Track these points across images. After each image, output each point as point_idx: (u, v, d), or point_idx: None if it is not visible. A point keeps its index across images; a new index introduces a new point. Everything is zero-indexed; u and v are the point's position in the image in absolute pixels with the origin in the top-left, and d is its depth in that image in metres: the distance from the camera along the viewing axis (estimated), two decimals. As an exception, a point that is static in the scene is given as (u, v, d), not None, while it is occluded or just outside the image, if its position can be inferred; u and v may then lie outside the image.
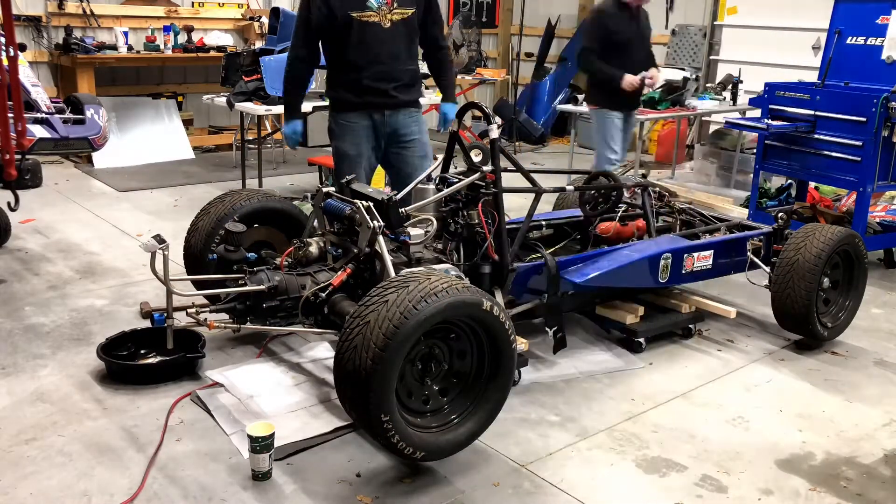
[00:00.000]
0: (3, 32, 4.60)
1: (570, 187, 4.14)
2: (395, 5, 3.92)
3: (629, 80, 5.62)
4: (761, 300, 4.29)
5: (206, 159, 8.08)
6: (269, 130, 7.88)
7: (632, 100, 5.88)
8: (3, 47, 4.50)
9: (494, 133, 3.50)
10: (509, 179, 3.67)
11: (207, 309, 3.45)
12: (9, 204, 4.74)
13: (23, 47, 5.88)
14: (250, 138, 6.97)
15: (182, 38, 7.90)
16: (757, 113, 5.93)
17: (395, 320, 2.47)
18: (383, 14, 3.90)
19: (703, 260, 4.03)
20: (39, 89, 5.43)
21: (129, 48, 7.69)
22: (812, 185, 6.02)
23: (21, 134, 4.62)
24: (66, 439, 2.91)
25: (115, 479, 2.69)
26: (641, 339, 3.86)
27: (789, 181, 6.18)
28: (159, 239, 3.12)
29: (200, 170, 7.58)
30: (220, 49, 8.06)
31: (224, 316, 3.41)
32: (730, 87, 7.32)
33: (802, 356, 3.95)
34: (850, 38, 5.60)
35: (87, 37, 7.51)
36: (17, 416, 3.06)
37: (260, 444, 2.67)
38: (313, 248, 3.51)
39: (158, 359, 3.45)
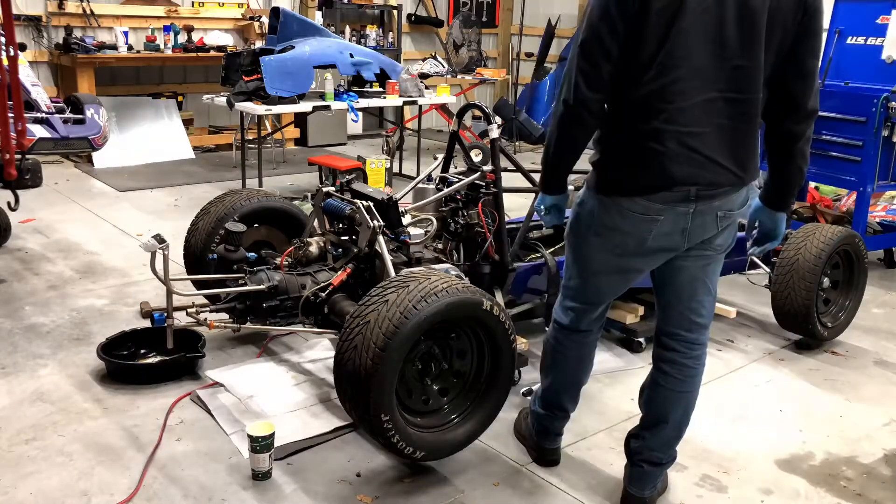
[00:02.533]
0: (3, 32, 4.60)
1: (571, 187, 4.13)
2: None
3: None
4: (761, 300, 4.29)
5: (206, 159, 8.08)
6: (269, 130, 7.88)
7: None
8: (3, 47, 4.50)
9: (494, 133, 3.51)
10: (509, 179, 3.67)
11: (207, 309, 3.45)
12: (9, 204, 4.74)
13: (23, 47, 5.88)
14: (250, 138, 6.97)
15: (182, 38, 7.90)
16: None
17: (395, 320, 2.47)
18: None
19: (703, 260, 4.02)
20: (39, 89, 5.43)
21: (129, 48, 7.69)
22: (812, 185, 6.02)
23: (21, 134, 4.62)
24: (66, 439, 2.91)
25: (115, 478, 2.69)
26: (641, 339, 3.86)
27: (789, 181, 6.16)
28: (159, 239, 3.12)
29: (200, 170, 7.58)
30: (220, 49, 8.07)
31: (224, 316, 3.41)
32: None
33: (802, 356, 3.95)
34: (850, 38, 5.60)
35: (87, 36, 7.51)
36: (17, 416, 3.06)
37: (260, 444, 2.67)
38: (313, 248, 3.51)
39: (158, 359, 3.44)
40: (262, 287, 3.25)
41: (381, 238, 3.24)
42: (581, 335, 2.66)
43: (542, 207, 2.57)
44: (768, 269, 4.14)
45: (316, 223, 3.73)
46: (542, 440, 2.89)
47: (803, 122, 2.29)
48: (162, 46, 7.81)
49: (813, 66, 2.26)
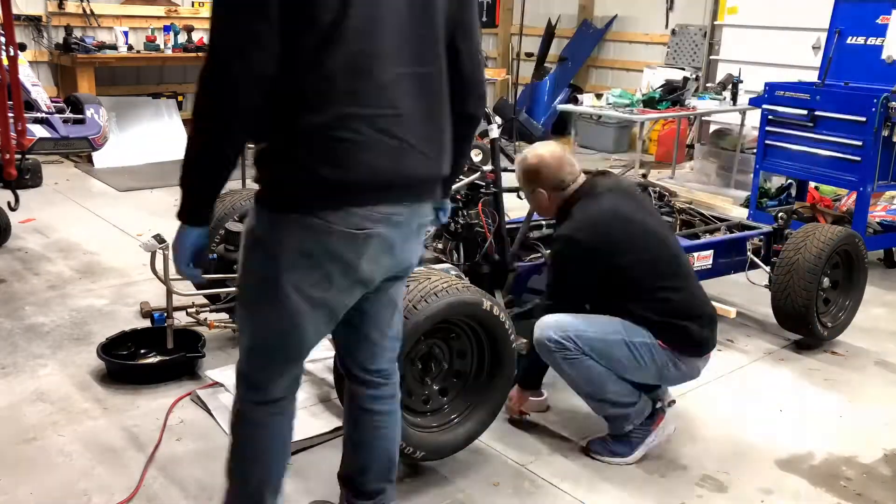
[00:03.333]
0: (3, 32, 4.60)
1: None
2: None
3: None
4: (761, 300, 4.29)
5: (206, 159, 8.07)
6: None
7: None
8: (3, 47, 4.50)
9: (494, 133, 3.50)
10: (509, 179, 3.66)
11: (207, 309, 3.45)
12: (9, 203, 4.74)
13: (23, 47, 5.88)
14: (250, 138, 6.95)
15: (182, 38, 7.90)
16: (757, 113, 5.92)
17: (395, 320, 2.47)
18: None
19: (703, 260, 4.03)
20: (39, 89, 5.43)
21: (129, 48, 7.68)
22: (812, 185, 6.02)
23: (21, 134, 4.62)
24: (66, 439, 2.91)
25: (115, 478, 2.69)
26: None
27: (789, 181, 6.18)
28: (159, 239, 3.12)
29: (200, 170, 7.57)
30: (220, 49, 8.05)
31: (224, 316, 3.41)
32: (730, 86, 7.32)
33: (802, 356, 3.95)
34: (850, 38, 5.60)
35: (87, 36, 7.51)
36: (17, 416, 3.06)
37: (260, 444, 2.67)
38: (313, 248, 3.50)
39: (158, 359, 3.44)
40: (262, 287, 3.24)
41: (381, 238, 3.22)
42: (280, 404, 2.05)
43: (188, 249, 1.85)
44: (768, 269, 4.14)
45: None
46: None
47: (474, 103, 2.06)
48: (162, 46, 7.81)
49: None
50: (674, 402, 3.12)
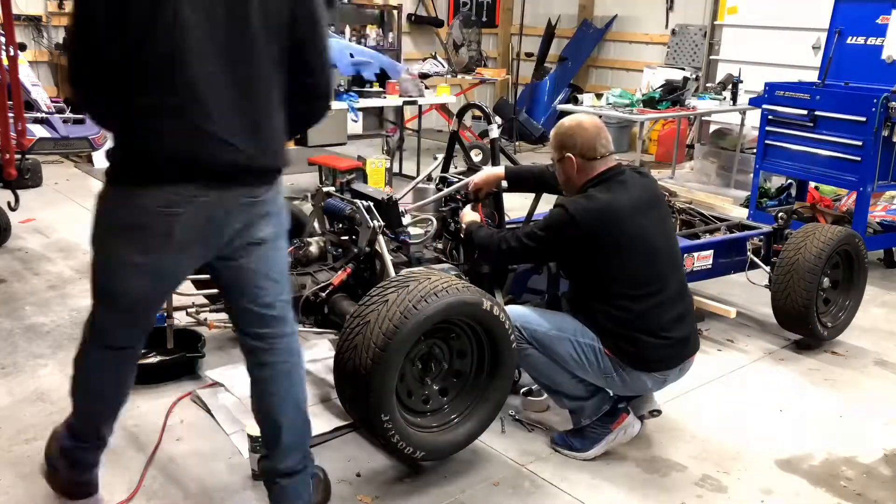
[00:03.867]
0: (3, 32, 4.61)
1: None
2: None
3: None
4: (761, 300, 4.29)
5: (206, 159, 8.07)
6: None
7: None
8: (3, 47, 4.50)
9: (494, 133, 3.51)
10: (509, 179, 3.67)
11: (207, 308, 3.44)
12: (9, 203, 4.74)
13: (23, 47, 5.89)
14: (250, 138, 6.95)
15: (182, 38, 7.90)
16: (757, 113, 5.93)
17: (395, 320, 2.47)
18: None
19: (703, 260, 4.04)
20: (39, 89, 5.45)
21: (129, 48, 7.69)
22: (812, 184, 6.02)
23: (21, 133, 4.63)
24: (66, 439, 2.91)
25: (115, 478, 2.69)
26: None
27: (789, 181, 6.18)
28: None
29: (200, 169, 7.56)
30: (220, 49, 8.05)
31: (224, 316, 3.39)
32: (730, 86, 7.33)
33: (802, 356, 3.95)
34: (850, 38, 5.61)
35: (87, 36, 7.51)
36: (17, 416, 3.06)
37: (260, 444, 2.66)
38: (313, 248, 3.50)
39: (158, 359, 3.44)
40: (262, 287, 3.25)
41: (381, 238, 3.23)
42: (123, 352, 2.35)
43: None
44: (768, 269, 4.14)
45: (316, 223, 3.73)
46: (75, 473, 2.51)
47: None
48: (162, 46, 7.81)
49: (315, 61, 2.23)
50: (658, 412, 3.09)
